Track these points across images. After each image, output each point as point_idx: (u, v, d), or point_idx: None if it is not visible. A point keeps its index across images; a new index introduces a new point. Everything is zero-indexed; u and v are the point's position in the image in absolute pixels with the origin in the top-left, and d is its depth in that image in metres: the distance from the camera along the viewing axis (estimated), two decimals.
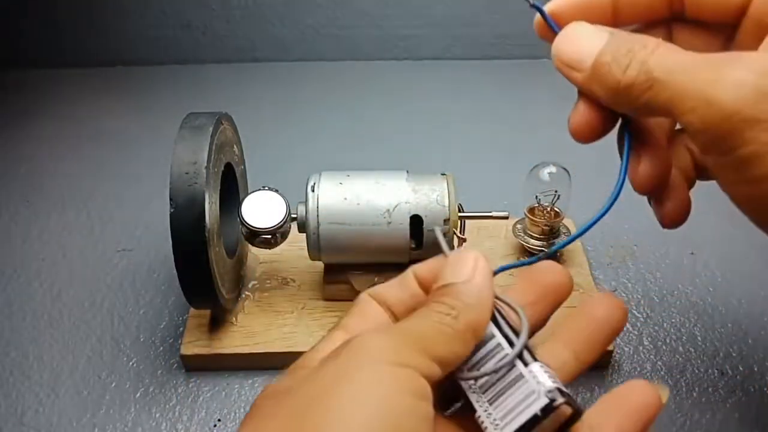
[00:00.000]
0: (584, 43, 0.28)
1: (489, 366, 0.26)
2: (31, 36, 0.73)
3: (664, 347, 0.43)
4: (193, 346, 0.41)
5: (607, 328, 0.29)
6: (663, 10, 0.30)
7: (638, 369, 0.42)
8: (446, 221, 0.40)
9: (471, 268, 0.27)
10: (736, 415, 0.39)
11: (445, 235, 0.40)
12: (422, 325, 0.25)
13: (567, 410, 0.25)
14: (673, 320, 0.45)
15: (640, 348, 0.43)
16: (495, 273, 0.28)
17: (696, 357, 0.42)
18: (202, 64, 0.75)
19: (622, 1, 0.29)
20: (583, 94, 0.29)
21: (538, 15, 0.31)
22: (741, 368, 0.42)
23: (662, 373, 0.42)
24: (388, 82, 0.72)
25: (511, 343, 0.26)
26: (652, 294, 0.47)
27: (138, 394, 0.41)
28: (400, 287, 0.29)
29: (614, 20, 0.30)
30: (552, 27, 0.30)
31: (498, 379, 0.26)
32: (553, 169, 0.44)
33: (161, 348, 0.44)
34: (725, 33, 0.30)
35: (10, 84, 0.72)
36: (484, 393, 0.26)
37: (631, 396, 0.28)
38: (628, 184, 0.29)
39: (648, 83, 0.25)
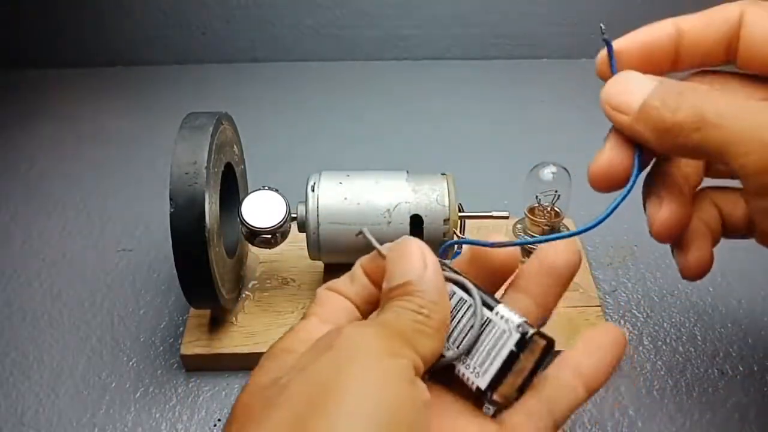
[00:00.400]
0: (634, 87, 0.28)
1: (461, 325, 0.27)
2: (31, 36, 0.73)
3: (664, 347, 0.43)
4: (193, 346, 0.41)
5: (565, 273, 0.29)
6: (720, 57, 0.30)
7: (638, 369, 0.42)
8: (446, 221, 0.40)
9: (419, 259, 0.27)
10: (736, 415, 0.39)
11: (444, 235, 0.40)
12: (401, 323, 0.26)
13: (540, 342, 0.26)
14: (673, 320, 0.45)
15: (640, 348, 0.43)
16: (441, 253, 0.29)
17: (696, 357, 0.42)
18: (202, 64, 0.75)
19: (684, 44, 0.30)
20: (613, 136, 0.29)
21: (603, 52, 0.31)
22: (741, 368, 0.42)
23: (662, 373, 0.42)
24: (388, 82, 0.72)
25: (468, 294, 0.27)
26: (652, 294, 0.47)
27: (138, 394, 0.41)
28: (351, 281, 0.30)
29: (673, 64, 0.30)
30: (612, 66, 0.30)
31: (468, 330, 0.26)
32: (553, 169, 0.44)
33: (161, 348, 0.44)
34: None
35: (10, 84, 0.72)
36: (458, 347, 0.26)
37: (603, 337, 0.29)
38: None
39: (699, 124, 0.25)
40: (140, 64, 0.74)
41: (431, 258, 0.27)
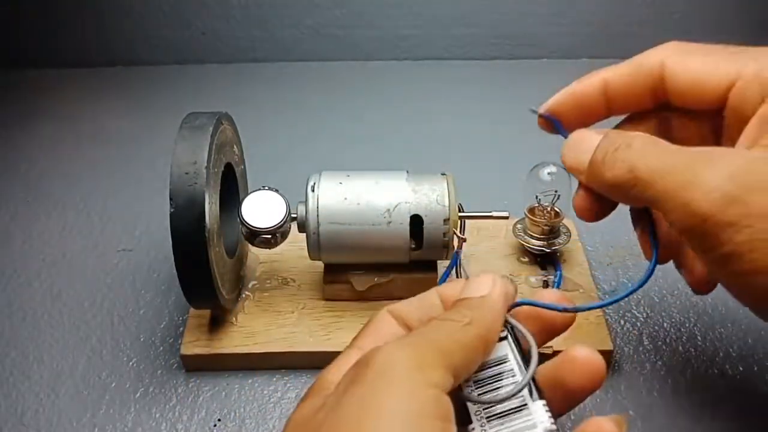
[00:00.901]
0: (582, 147, 0.31)
1: (500, 392, 0.27)
2: (31, 36, 0.73)
3: (664, 347, 0.43)
4: (193, 346, 0.41)
5: (578, 395, 0.29)
6: (649, 102, 0.32)
7: (638, 369, 0.42)
8: (446, 221, 0.40)
9: (489, 285, 0.29)
10: (736, 415, 0.39)
11: (444, 235, 0.40)
12: (438, 334, 0.26)
13: None
14: (673, 320, 0.45)
15: (640, 348, 0.43)
16: (516, 305, 0.29)
17: (696, 357, 0.42)
18: (202, 64, 0.75)
19: (611, 93, 0.32)
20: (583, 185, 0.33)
21: (539, 119, 0.35)
22: (741, 368, 0.42)
23: (662, 373, 0.42)
24: (388, 82, 0.72)
25: (521, 369, 0.27)
26: (652, 294, 0.47)
27: (138, 394, 0.41)
28: (420, 305, 0.30)
29: (607, 111, 0.33)
30: (561, 132, 0.34)
31: (503, 397, 0.26)
32: (553, 169, 0.44)
33: (161, 348, 0.44)
34: (714, 120, 0.31)
35: (10, 84, 0.72)
36: (484, 409, 0.27)
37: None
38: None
39: (633, 181, 0.28)
40: (140, 64, 0.74)
41: (501, 287, 0.29)
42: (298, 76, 0.73)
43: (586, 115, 0.34)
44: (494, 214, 0.42)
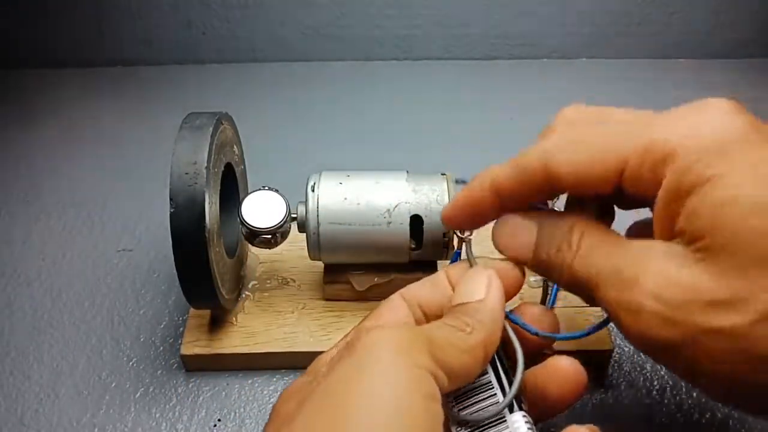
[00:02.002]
0: (519, 240, 0.30)
1: (479, 411, 0.27)
2: (30, 36, 0.73)
3: None
4: (193, 346, 0.41)
5: (558, 406, 0.29)
6: (546, 196, 0.30)
7: (638, 369, 0.42)
8: None
9: (485, 287, 0.29)
10: (736, 415, 0.39)
11: (444, 235, 0.40)
12: (434, 333, 0.26)
13: None
14: None
15: None
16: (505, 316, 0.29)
17: None
18: (202, 64, 0.75)
19: (502, 195, 0.30)
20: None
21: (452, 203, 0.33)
22: None
23: (662, 373, 0.42)
24: (388, 82, 0.72)
25: (501, 384, 0.28)
26: None
27: (138, 394, 0.41)
28: (432, 287, 0.31)
29: (500, 209, 0.31)
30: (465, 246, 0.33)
31: (481, 410, 0.27)
32: None
33: (161, 348, 0.44)
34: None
35: (10, 84, 0.72)
36: (466, 423, 0.27)
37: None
38: None
39: (579, 284, 0.27)
40: (140, 64, 0.74)
41: (498, 289, 0.29)
42: (298, 76, 0.73)
43: (482, 221, 0.32)
44: None
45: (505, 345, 0.29)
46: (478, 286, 0.29)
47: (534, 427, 0.26)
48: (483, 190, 0.30)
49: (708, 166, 0.23)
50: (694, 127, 0.25)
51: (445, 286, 0.30)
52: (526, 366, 0.28)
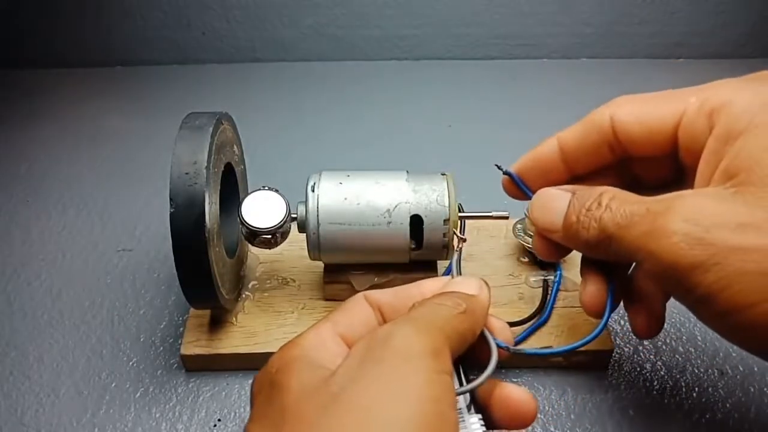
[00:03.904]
0: (552, 207, 0.32)
1: None
2: (31, 36, 0.73)
3: (664, 347, 0.43)
4: (193, 346, 0.41)
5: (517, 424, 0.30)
6: (608, 156, 0.32)
7: (638, 369, 0.42)
8: (446, 221, 0.40)
9: (477, 287, 0.30)
10: (736, 415, 0.39)
11: (444, 235, 0.40)
12: (441, 319, 0.27)
13: None
14: (673, 320, 0.45)
15: (640, 348, 0.43)
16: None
17: (696, 357, 0.42)
18: (202, 64, 0.75)
19: (568, 154, 0.33)
20: (584, 270, 0.34)
21: (504, 177, 0.36)
22: (741, 368, 0.42)
23: (662, 373, 0.42)
24: (388, 82, 0.72)
25: (460, 379, 0.29)
26: None
27: (138, 394, 0.41)
28: (395, 296, 0.31)
29: (568, 171, 0.34)
30: (525, 191, 0.34)
31: None
32: None
33: (161, 348, 0.44)
34: (678, 160, 0.31)
35: (10, 84, 0.72)
36: None
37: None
38: None
39: (608, 239, 0.28)
40: (140, 64, 0.74)
41: (488, 293, 0.30)
42: (298, 76, 0.73)
43: (548, 178, 0.34)
44: (494, 214, 0.42)
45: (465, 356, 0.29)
46: (471, 285, 0.30)
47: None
48: (551, 148, 0.33)
49: (756, 116, 0.26)
50: (747, 88, 0.28)
51: (410, 296, 0.31)
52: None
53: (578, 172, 0.34)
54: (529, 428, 0.38)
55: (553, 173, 0.34)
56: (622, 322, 0.45)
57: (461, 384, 0.28)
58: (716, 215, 0.25)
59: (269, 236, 0.39)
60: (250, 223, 0.39)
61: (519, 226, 0.47)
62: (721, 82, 0.29)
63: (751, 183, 0.25)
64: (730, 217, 0.25)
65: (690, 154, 0.30)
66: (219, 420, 0.40)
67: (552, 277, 0.45)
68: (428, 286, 0.32)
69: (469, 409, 0.27)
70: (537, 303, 0.44)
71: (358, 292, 0.43)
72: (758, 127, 0.26)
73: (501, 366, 0.40)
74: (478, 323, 0.29)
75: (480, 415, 0.27)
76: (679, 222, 0.25)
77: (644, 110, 0.30)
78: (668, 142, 0.30)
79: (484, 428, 0.27)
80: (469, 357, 0.29)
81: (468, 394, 0.28)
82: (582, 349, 0.41)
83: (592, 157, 0.33)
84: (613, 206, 0.28)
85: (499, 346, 0.30)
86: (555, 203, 0.32)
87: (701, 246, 0.25)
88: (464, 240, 0.40)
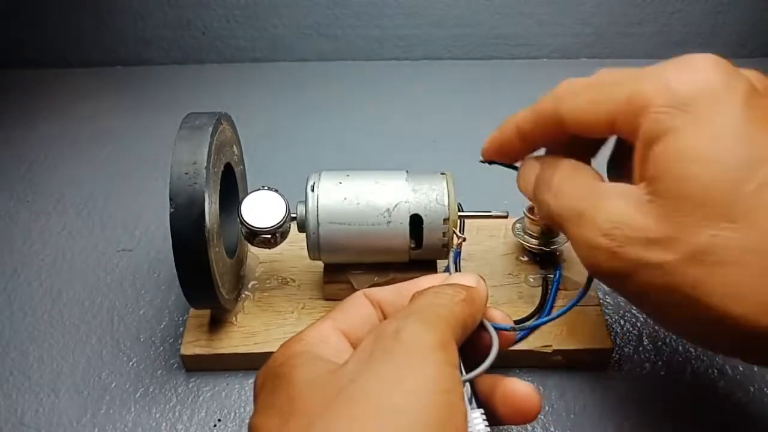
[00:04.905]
0: (527, 178, 0.34)
1: None
2: (31, 36, 0.73)
3: (664, 347, 0.43)
4: (193, 346, 0.41)
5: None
6: (563, 136, 0.33)
7: (638, 369, 0.42)
8: (446, 221, 0.40)
9: (475, 280, 0.31)
10: (736, 415, 0.39)
11: (444, 234, 0.40)
12: (443, 305, 0.28)
13: None
14: None
15: (640, 348, 0.43)
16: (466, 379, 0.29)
17: (696, 357, 0.42)
18: (202, 64, 0.75)
19: (524, 137, 0.34)
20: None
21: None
22: (741, 368, 0.42)
23: (662, 373, 0.42)
24: (388, 82, 0.72)
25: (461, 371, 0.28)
26: None
27: (138, 394, 0.41)
28: (394, 291, 0.32)
29: (530, 150, 0.35)
30: (514, 168, 0.37)
31: None
32: None
33: (161, 348, 0.44)
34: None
35: (10, 84, 0.72)
36: None
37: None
38: None
39: (555, 221, 0.31)
40: (140, 64, 0.74)
41: (486, 289, 0.31)
42: (298, 76, 0.73)
43: (512, 158, 0.36)
44: (494, 213, 0.42)
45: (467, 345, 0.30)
46: (468, 278, 0.31)
47: (490, 429, 0.27)
48: (510, 130, 0.35)
49: (673, 119, 0.26)
50: (673, 81, 0.27)
51: (408, 292, 0.31)
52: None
53: (531, 149, 0.35)
54: (530, 428, 0.38)
55: (516, 155, 0.36)
56: (622, 322, 0.45)
57: (463, 374, 0.28)
58: (630, 229, 0.26)
59: (269, 236, 0.39)
60: (249, 223, 0.39)
61: (518, 225, 0.47)
62: (648, 73, 0.28)
63: (660, 194, 0.26)
64: (641, 232, 0.26)
65: (627, 144, 0.30)
66: (219, 420, 0.40)
67: (551, 276, 0.45)
68: (427, 282, 0.32)
69: (470, 403, 0.27)
70: (536, 302, 0.44)
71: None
72: (672, 132, 0.26)
73: (501, 366, 0.40)
74: (479, 310, 0.30)
75: (482, 410, 0.27)
76: (600, 236, 0.27)
77: (583, 106, 0.30)
78: (611, 131, 0.30)
79: (486, 423, 0.27)
80: (470, 352, 0.29)
81: (469, 389, 0.28)
82: (582, 348, 0.41)
83: (548, 138, 0.34)
84: (559, 194, 0.31)
85: (502, 329, 0.30)
86: (530, 175, 0.34)
87: (619, 260, 0.27)
88: (464, 239, 0.40)
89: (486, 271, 0.46)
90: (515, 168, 0.36)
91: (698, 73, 0.27)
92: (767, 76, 0.29)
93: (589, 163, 0.34)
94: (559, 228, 0.32)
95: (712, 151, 0.25)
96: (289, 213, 0.40)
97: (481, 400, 0.29)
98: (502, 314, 0.32)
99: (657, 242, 0.25)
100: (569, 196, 0.30)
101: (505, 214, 0.42)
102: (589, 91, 0.30)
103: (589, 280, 0.33)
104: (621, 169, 0.33)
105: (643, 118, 0.27)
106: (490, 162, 0.37)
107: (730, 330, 0.24)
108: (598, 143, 0.34)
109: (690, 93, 0.26)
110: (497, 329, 0.30)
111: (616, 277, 0.27)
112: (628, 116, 0.28)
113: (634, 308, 0.45)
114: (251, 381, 0.42)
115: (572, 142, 0.33)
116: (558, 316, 0.35)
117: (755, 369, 0.42)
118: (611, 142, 0.34)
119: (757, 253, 0.23)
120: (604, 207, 0.27)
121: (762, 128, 0.25)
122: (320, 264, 0.44)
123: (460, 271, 0.42)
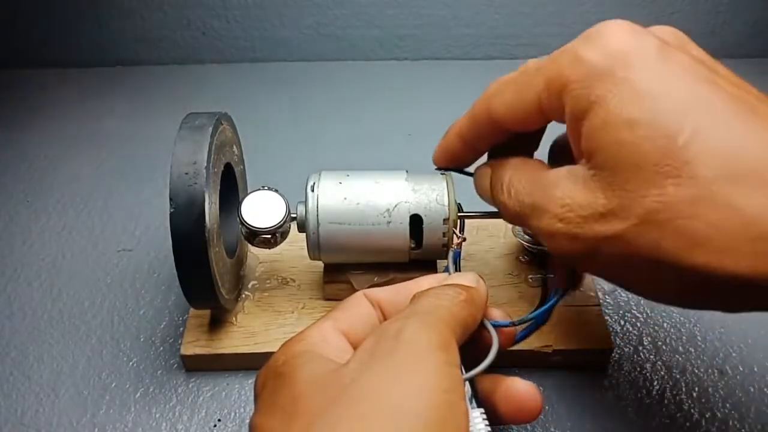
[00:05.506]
0: (483, 185, 0.35)
1: None
2: (31, 36, 0.73)
3: (664, 347, 0.43)
4: (193, 346, 0.41)
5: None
6: (503, 136, 0.33)
7: (638, 369, 0.42)
8: (446, 221, 0.40)
9: (475, 280, 0.31)
10: (736, 415, 0.39)
11: (444, 234, 0.40)
12: (443, 305, 0.28)
13: None
14: (673, 320, 0.45)
15: (640, 348, 0.43)
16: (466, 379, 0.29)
17: (696, 357, 0.42)
18: (202, 64, 0.75)
19: (466, 140, 0.35)
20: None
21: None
22: (741, 368, 0.42)
23: (662, 373, 0.42)
24: (388, 82, 0.72)
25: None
26: None
27: (138, 394, 0.41)
28: (394, 291, 0.32)
29: (477, 153, 0.36)
30: (469, 174, 0.37)
31: None
32: None
33: (161, 348, 0.44)
34: None
35: (10, 84, 0.72)
36: None
37: None
38: None
39: (515, 219, 0.32)
40: (140, 64, 0.74)
41: (485, 288, 0.32)
42: (298, 76, 0.73)
43: (461, 164, 0.37)
44: (493, 213, 0.42)
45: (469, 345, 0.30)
46: (468, 278, 0.31)
47: (491, 429, 0.27)
48: (453, 137, 0.35)
49: (592, 91, 0.26)
50: (584, 54, 0.27)
51: (407, 292, 0.31)
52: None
53: (485, 149, 0.36)
54: (530, 428, 0.38)
55: (464, 159, 0.36)
56: (622, 322, 0.45)
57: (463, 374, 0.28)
58: (582, 208, 0.26)
59: (269, 236, 0.39)
60: (249, 223, 0.39)
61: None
62: (561, 52, 0.28)
63: (600, 167, 0.26)
64: (593, 209, 0.26)
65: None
66: (219, 420, 0.40)
67: (551, 276, 0.45)
68: (427, 282, 0.32)
69: (471, 403, 0.27)
70: (536, 302, 0.44)
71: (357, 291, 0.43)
72: (595, 104, 0.26)
73: (501, 366, 0.40)
74: (479, 310, 0.30)
75: (482, 410, 0.27)
76: (556, 223, 0.27)
77: (510, 100, 0.30)
78: (543, 118, 0.30)
79: (486, 422, 0.27)
80: (470, 352, 0.29)
81: (470, 388, 0.28)
82: (582, 349, 0.41)
83: (489, 139, 0.34)
84: (512, 194, 0.31)
85: (502, 326, 0.31)
86: (484, 181, 0.34)
87: (578, 241, 0.27)
88: (464, 239, 0.40)
89: (486, 271, 0.46)
90: (470, 174, 0.37)
91: (606, 40, 0.27)
92: (681, 31, 0.29)
93: (532, 156, 0.34)
94: (523, 225, 0.32)
95: (635, 114, 0.25)
96: (289, 213, 0.40)
97: (481, 399, 0.29)
98: (501, 312, 0.32)
99: (610, 214, 0.25)
100: (521, 192, 0.30)
101: None
102: (513, 85, 0.30)
103: (571, 274, 0.34)
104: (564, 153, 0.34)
105: (566, 97, 0.27)
106: (444, 170, 0.38)
107: (701, 281, 0.24)
108: (538, 134, 0.34)
109: (602, 62, 0.26)
110: (497, 327, 0.31)
111: (584, 258, 0.27)
112: (552, 99, 0.28)
113: (635, 308, 0.45)
114: (251, 381, 0.42)
115: (514, 140, 0.33)
116: (551, 308, 0.36)
117: (755, 369, 0.42)
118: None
119: (704, 202, 0.23)
120: (553, 193, 0.28)
121: (678, 79, 0.25)
122: (320, 264, 0.44)
123: (460, 271, 0.42)
